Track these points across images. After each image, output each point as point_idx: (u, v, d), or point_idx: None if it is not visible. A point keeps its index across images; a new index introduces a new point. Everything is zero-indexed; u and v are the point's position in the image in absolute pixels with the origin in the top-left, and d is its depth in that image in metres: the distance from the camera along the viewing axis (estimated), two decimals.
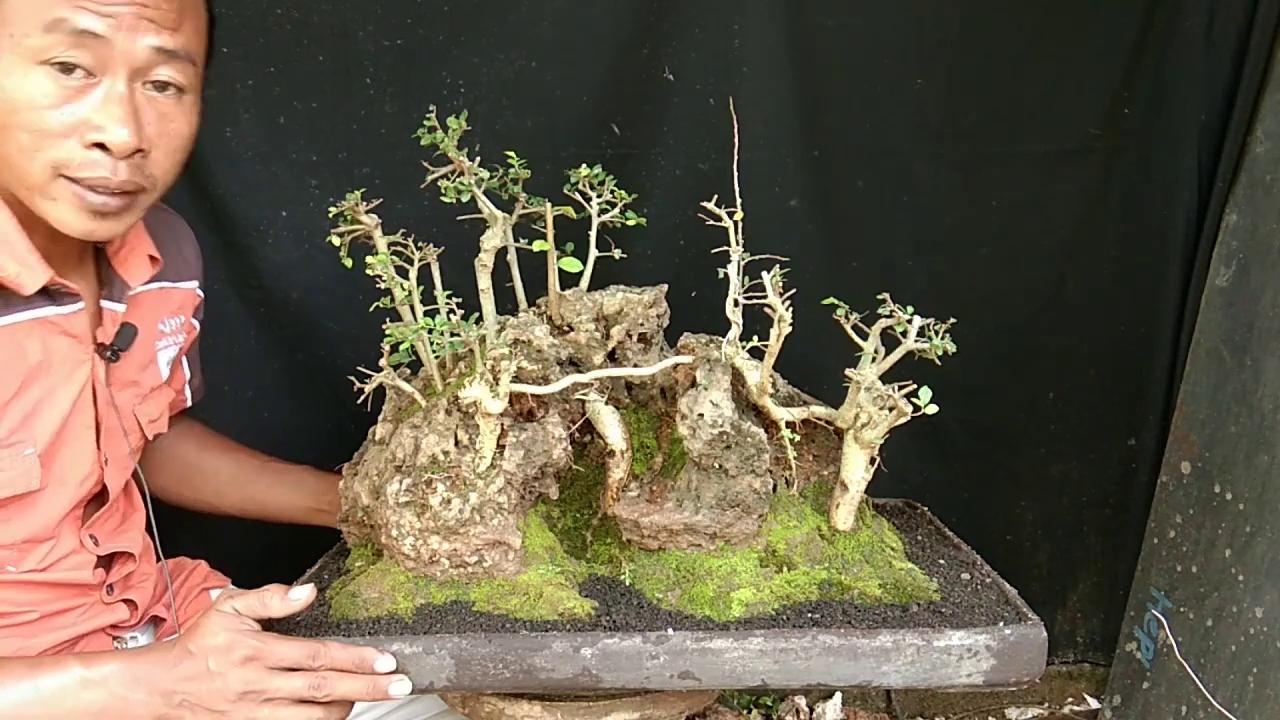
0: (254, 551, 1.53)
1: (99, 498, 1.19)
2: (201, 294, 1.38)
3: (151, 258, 1.21)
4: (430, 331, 1.05)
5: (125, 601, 1.25)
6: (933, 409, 1.00)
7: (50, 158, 1.00)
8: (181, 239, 1.32)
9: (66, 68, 0.98)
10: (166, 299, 1.29)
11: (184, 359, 1.37)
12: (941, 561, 1.18)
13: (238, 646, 0.97)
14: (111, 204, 1.03)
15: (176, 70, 1.03)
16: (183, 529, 1.41)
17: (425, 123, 1.16)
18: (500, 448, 1.08)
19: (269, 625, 1.03)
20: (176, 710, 0.97)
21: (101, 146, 1.00)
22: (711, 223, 1.06)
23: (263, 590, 1.04)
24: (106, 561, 1.22)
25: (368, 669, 0.99)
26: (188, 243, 1.34)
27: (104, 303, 1.17)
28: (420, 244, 1.15)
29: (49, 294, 1.08)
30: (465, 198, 1.15)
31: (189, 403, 1.42)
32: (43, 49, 0.96)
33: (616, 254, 1.20)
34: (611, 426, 1.14)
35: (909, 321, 1.05)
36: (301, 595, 1.04)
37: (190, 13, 1.04)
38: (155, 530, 1.27)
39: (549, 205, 1.20)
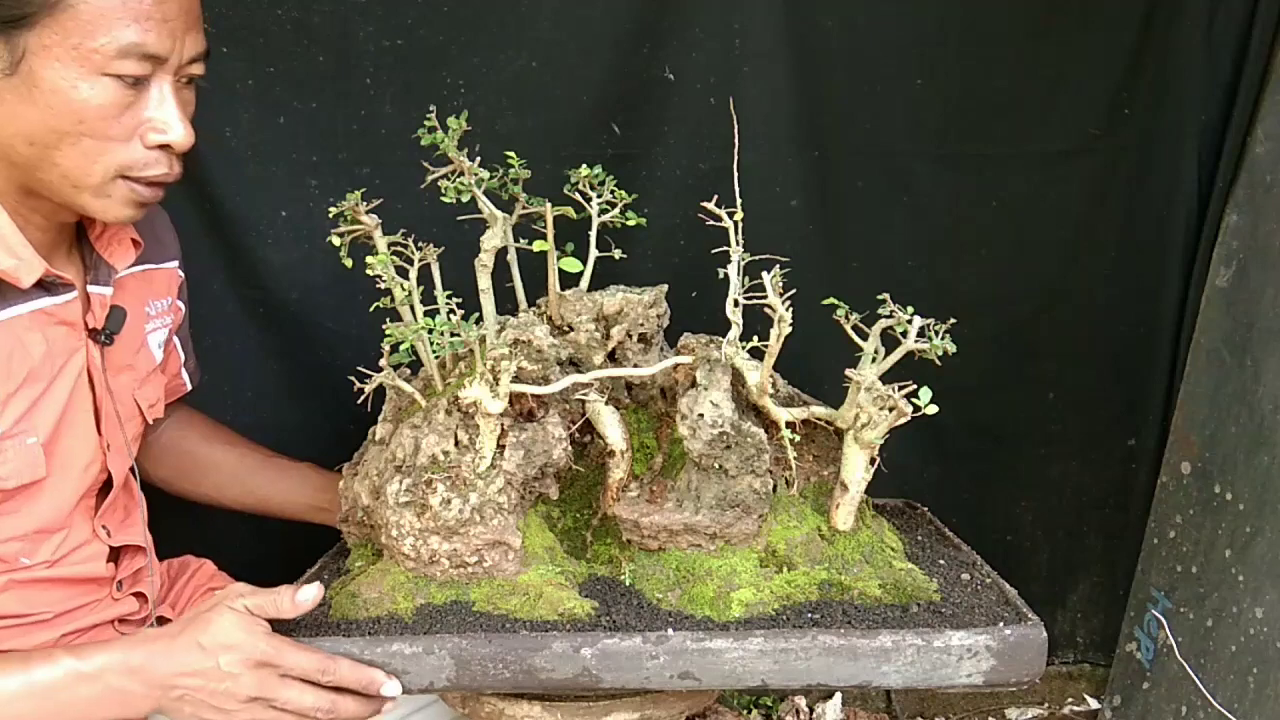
0: (254, 552, 1.53)
1: (105, 488, 1.20)
2: (183, 274, 1.37)
3: (134, 241, 1.22)
4: (430, 331, 1.05)
5: (135, 595, 1.26)
6: (933, 409, 1.00)
7: (115, 161, 1.03)
8: (155, 220, 1.31)
9: (130, 80, 1.00)
10: (151, 281, 1.28)
11: (176, 340, 1.36)
12: (941, 562, 1.18)
13: (252, 649, 0.97)
14: (159, 195, 1.08)
15: (202, 65, 1.08)
16: (184, 529, 1.41)
17: (425, 123, 1.15)
18: (500, 448, 1.08)
19: (272, 625, 1.02)
20: (175, 703, 0.97)
21: (163, 146, 1.04)
22: (711, 223, 1.06)
23: (275, 590, 1.03)
24: (115, 556, 1.23)
25: (374, 692, 0.99)
26: (162, 223, 1.33)
27: (90, 288, 1.17)
28: (420, 244, 1.15)
29: (44, 285, 1.09)
30: (465, 198, 1.15)
31: (189, 387, 1.41)
32: (110, 64, 0.98)
33: (616, 254, 1.20)
34: (611, 426, 1.14)
35: (909, 322, 1.05)
36: (309, 595, 1.03)
37: (200, 6, 1.07)
38: (146, 524, 1.26)
39: (549, 205, 1.20)
